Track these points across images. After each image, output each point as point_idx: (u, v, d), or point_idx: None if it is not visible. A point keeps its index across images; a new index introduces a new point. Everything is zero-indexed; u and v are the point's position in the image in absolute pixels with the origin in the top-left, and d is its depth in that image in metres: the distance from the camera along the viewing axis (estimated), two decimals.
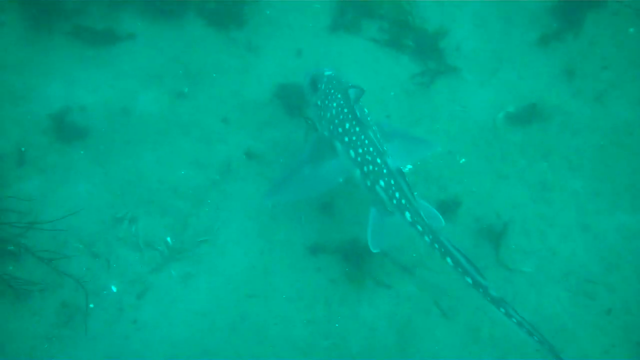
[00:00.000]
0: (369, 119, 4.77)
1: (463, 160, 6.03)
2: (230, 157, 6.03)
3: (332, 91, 4.82)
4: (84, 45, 6.41)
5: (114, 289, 5.26)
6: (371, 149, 4.57)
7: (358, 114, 4.58)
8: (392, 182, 4.49)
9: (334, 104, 4.77)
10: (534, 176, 5.92)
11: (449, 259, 4.29)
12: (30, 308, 5.08)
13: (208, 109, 6.26)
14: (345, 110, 4.68)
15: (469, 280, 4.20)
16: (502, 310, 4.13)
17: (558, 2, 6.91)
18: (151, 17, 6.59)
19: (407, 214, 4.47)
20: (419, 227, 4.45)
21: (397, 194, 4.48)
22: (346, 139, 4.67)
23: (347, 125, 4.67)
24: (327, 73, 4.98)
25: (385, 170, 4.53)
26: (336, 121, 4.73)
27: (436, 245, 4.35)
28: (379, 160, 4.55)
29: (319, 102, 4.94)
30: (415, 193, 4.58)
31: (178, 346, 5.05)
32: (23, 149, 5.68)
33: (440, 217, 4.67)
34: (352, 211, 5.71)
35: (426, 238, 4.42)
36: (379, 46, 6.76)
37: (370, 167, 4.56)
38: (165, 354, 5.02)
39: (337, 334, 5.18)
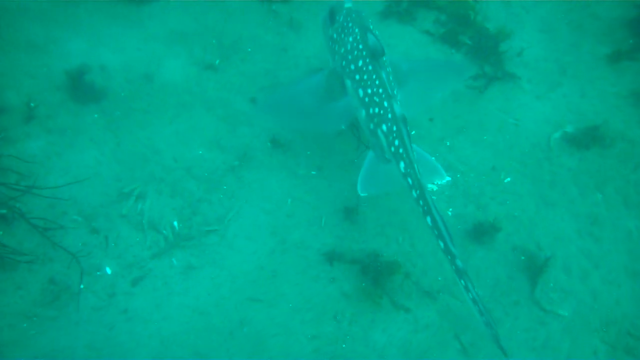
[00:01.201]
0: (384, 58, 4.46)
1: (508, 179, 5.42)
2: (254, 142, 5.51)
3: (350, 24, 4.54)
4: (115, 1, 5.88)
5: (108, 270, 4.80)
6: (380, 90, 4.35)
7: (373, 53, 4.33)
8: (395, 128, 4.27)
9: (350, 39, 4.51)
10: (585, 208, 5.28)
11: (428, 219, 4.10)
12: (14, 281, 4.66)
13: (237, 87, 5.74)
14: (361, 47, 4.43)
15: (441, 244, 4.05)
16: (462, 282, 3.98)
17: (638, 16, 6.16)
18: None
19: (402, 164, 4.25)
20: (410, 180, 4.23)
21: (396, 142, 4.27)
22: (357, 76, 4.45)
23: (360, 63, 4.43)
24: (347, 5, 4.67)
25: (390, 115, 4.30)
26: (349, 57, 4.49)
27: (421, 202, 4.15)
28: (386, 104, 4.32)
29: (334, 35, 4.67)
30: (414, 145, 4.36)
31: (168, 344, 4.59)
32: (33, 104, 5.21)
33: (443, 171, 4.59)
34: (379, 221, 5.16)
35: (414, 193, 4.20)
36: (432, 40, 6.15)
37: (377, 109, 4.35)
38: (152, 351, 4.56)
39: (343, 356, 4.65)
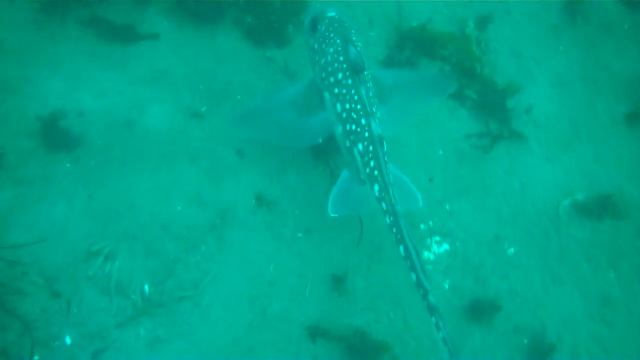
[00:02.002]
0: (365, 72, 4.27)
1: (512, 250, 4.96)
2: (238, 198, 5.09)
3: (332, 35, 4.36)
4: (98, 40, 5.53)
5: (67, 340, 4.37)
6: (359, 106, 4.17)
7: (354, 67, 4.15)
8: (371, 148, 4.08)
9: (331, 50, 4.33)
10: (596, 286, 4.81)
11: (401, 248, 3.91)
12: None
13: (223, 137, 5.34)
14: (341, 59, 4.25)
15: (413, 277, 3.86)
16: (434, 320, 3.77)
17: None
18: (180, 19, 5.68)
19: (376, 187, 4.06)
20: (384, 205, 4.03)
21: (372, 163, 4.09)
22: (336, 90, 4.26)
23: (340, 76, 4.24)
24: (330, 14, 4.48)
25: (367, 134, 4.12)
26: (329, 69, 4.30)
27: (394, 230, 3.95)
28: (363, 121, 4.15)
29: (315, 45, 4.46)
30: (390, 165, 4.13)
31: None
32: (0, 151, 4.79)
33: (419, 196, 4.35)
34: (369, 292, 4.72)
35: (387, 219, 4.01)
36: None
37: (354, 126, 4.17)
38: None
39: None
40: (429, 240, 5.22)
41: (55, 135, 5.02)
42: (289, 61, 5.70)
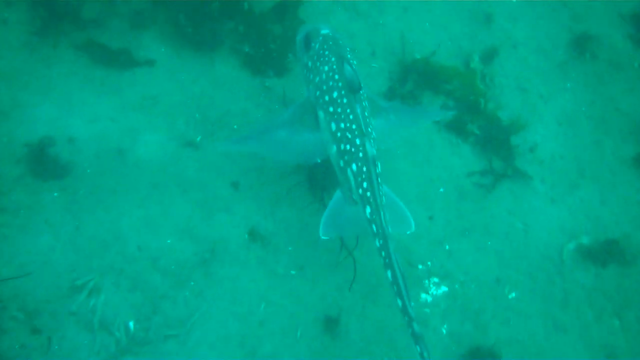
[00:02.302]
0: (361, 92, 4.20)
1: (513, 294, 4.78)
2: (230, 232, 4.91)
3: (327, 52, 4.30)
4: (92, 64, 5.39)
5: None
6: (354, 126, 4.10)
7: (350, 87, 4.11)
8: (364, 169, 4.02)
9: (325, 68, 4.27)
10: (600, 336, 4.60)
11: (389, 273, 3.84)
12: None
13: (218, 167, 5.17)
14: (336, 77, 4.18)
15: (399, 302, 3.79)
16: (418, 348, 3.68)
17: None
18: (178, 45, 5.54)
19: (368, 209, 4.01)
20: (374, 227, 3.98)
21: (364, 184, 4.03)
22: (331, 109, 4.19)
23: (335, 94, 4.17)
24: (323, 31, 4.43)
25: (361, 154, 4.05)
26: (324, 87, 4.24)
27: (382, 254, 3.89)
28: (358, 141, 4.08)
29: (309, 63, 4.40)
30: (384, 187, 4.10)
31: None
32: None
33: (411, 220, 4.28)
34: (363, 335, 4.50)
35: (377, 242, 3.95)
36: (437, 128, 5.57)
37: (348, 146, 4.10)
38: None
39: None
40: (427, 281, 5.03)
41: (44, 163, 4.86)
42: (287, 90, 5.55)
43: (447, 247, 5.08)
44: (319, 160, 4.42)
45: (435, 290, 4.89)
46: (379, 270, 4.21)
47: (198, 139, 5.28)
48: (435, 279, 5.03)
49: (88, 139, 5.08)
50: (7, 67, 5.20)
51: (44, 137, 4.93)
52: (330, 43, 4.35)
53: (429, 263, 4.96)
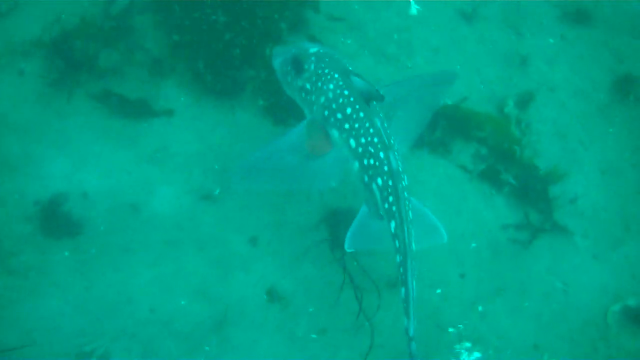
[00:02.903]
0: (374, 102, 3.98)
1: None
2: (248, 293, 4.67)
3: (327, 71, 4.07)
4: (109, 116, 5.23)
5: None
6: (375, 139, 3.89)
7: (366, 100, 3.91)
8: (390, 182, 3.83)
9: (330, 87, 4.03)
10: None
11: (403, 290, 3.71)
12: None
13: (236, 223, 4.92)
14: (346, 93, 3.96)
15: (405, 321, 3.70)
16: None
17: None
18: (197, 93, 5.35)
19: (393, 224, 3.83)
20: (397, 243, 3.80)
21: (390, 198, 3.83)
22: (347, 125, 3.97)
23: (349, 111, 3.96)
24: (312, 50, 4.19)
25: (386, 168, 3.85)
26: (334, 106, 4.01)
27: (401, 270, 3.73)
28: (382, 155, 3.87)
29: (307, 86, 4.16)
30: (412, 200, 3.90)
31: None
32: None
33: (443, 231, 4.11)
34: None
35: (397, 257, 3.78)
36: (469, 178, 5.24)
37: (372, 160, 3.90)
38: None
39: None
40: (457, 346, 4.67)
41: (55, 220, 4.70)
42: None
43: (480, 308, 4.72)
44: (334, 184, 4.19)
45: (467, 356, 4.54)
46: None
47: (216, 191, 5.05)
48: (467, 344, 4.67)
49: (102, 194, 4.90)
50: (21, 120, 5.06)
51: (56, 194, 4.75)
52: (327, 60, 4.13)
53: (460, 326, 4.61)
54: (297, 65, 4.22)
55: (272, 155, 4.19)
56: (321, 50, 4.23)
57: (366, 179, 3.97)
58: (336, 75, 4.03)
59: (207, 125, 5.33)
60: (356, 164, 4.01)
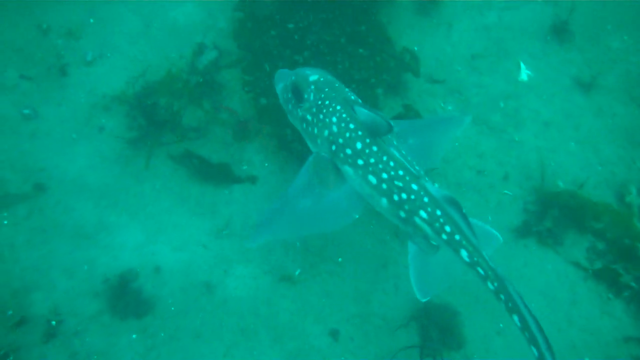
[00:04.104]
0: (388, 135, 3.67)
1: None
2: None
3: (327, 102, 3.76)
4: (188, 180, 4.90)
5: None
6: (401, 172, 3.58)
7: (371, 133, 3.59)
8: (438, 212, 3.51)
9: (333, 119, 3.72)
10: None
11: (516, 317, 3.32)
12: None
13: (317, 311, 4.47)
14: (352, 126, 3.65)
15: (535, 351, 3.25)
16: None
17: None
18: (282, 161, 4.93)
19: (464, 253, 3.48)
20: (481, 270, 3.44)
21: (447, 228, 3.51)
22: (360, 161, 3.66)
23: (359, 146, 3.65)
24: (312, 77, 3.85)
25: (426, 199, 3.53)
26: (340, 140, 3.70)
27: (502, 297, 3.37)
28: (415, 187, 3.56)
29: (308, 117, 3.85)
30: (471, 219, 3.52)
31: None
32: (54, 322, 4.13)
33: (498, 234, 3.79)
34: None
35: (490, 285, 3.42)
36: (583, 276, 4.59)
37: (404, 195, 3.58)
38: None
39: None
40: None
41: (124, 298, 4.32)
42: None
43: None
44: (357, 216, 3.84)
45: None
46: None
47: (297, 272, 4.59)
48: None
49: (175, 270, 4.53)
50: (98, 182, 4.77)
51: (127, 270, 4.39)
52: (327, 90, 3.80)
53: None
54: (297, 94, 3.87)
55: (286, 203, 3.83)
56: (321, 79, 3.84)
57: (402, 214, 3.64)
58: (338, 107, 3.72)
59: None
60: (384, 201, 3.67)
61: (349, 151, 3.69)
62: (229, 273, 4.59)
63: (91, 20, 5.33)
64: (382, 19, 5.26)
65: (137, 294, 4.39)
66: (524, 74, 5.47)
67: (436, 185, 3.59)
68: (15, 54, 5.18)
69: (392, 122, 3.62)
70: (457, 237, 3.49)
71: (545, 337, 3.24)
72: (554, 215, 4.74)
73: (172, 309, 4.41)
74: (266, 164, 4.98)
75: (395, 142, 3.73)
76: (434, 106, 5.33)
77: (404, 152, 3.68)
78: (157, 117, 4.98)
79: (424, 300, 3.69)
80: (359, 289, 4.61)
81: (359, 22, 5.17)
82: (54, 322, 4.17)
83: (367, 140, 3.63)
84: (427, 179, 3.62)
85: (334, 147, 3.75)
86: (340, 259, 4.72)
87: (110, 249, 4.55)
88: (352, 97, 3.82)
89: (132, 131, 4.95)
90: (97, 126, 5.00)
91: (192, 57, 5.31)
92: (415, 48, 5.41)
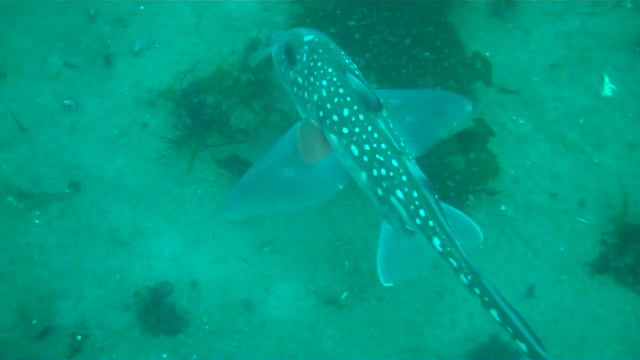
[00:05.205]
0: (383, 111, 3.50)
1: None
2: None
3: (319, 64, 3.58)
4: (232, 185, 4.53)
5: None
6: (383, 145, 3.39)
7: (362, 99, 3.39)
8: (415, 194, 3.31)
9: (324, 83, 3.54)
10: None
11: (494, 312, 3.14)
12: None
13: (363, 341, 4.12)
14: (341, 91, 3.47)
15: (523, 346, 3.06)
16: None
17: None
18: None
19: (437, 241, 3.30)
20: (453, 262, 3.26)
21: (421, 212, 3.31)
22: (345, 130, 3.48)
23: (346, 112, 3.47)
24: (307, 38, 3.68)
25: (404, 177, 3.35)
26: (328, 106, 3.52)
27: (477, 291, 3.19)
28: (395, 163, 3.37)
29: (299, 80, 3.68)
30: (442, 204, 3.35)
31: None
32: (79, 336, 3.83)
33: (479, 230, 3.54)
34: None
35: (464, 278, 3.24)
36: None
37: (383, 171, 3.37)
38: None
39: None
40: None
41: (157, 312, 3.98)
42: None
43: None
44: (341, 187, 3.66)
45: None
46: None
47: (343, 296, 4.20)
48: None
49: (213, 285, 4.21)
50: (137, 184, 4.46)
51: (162, 283, 4.05)
52: (320, 51, 3.62)
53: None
54: (290, 55, 3.69)
55: (266, 171, 3.62)
56: (316, 39, 3.66)
57: (380, 191, 3.44)
58: (330, 70, 3.54)
59: (341, 213, 4.47)
60: (363, 175, 3.47)
61: (335, 117, 3.51)
62: (270, 291, 4.22)
63: (141, 8, 5.00)
64: (453, 20, 4.78)
65: (170, 309, 4.07)
66: (608, 88, 4.93)
67: (417, 165, 3.40)
68: (60, 40, 4.89)
69: (391, 93, 3.64)
70: (430, 223, 3.31)
71: (531, 330, 3.07)
72: (636, 250, 4.23)
73: (207, 327, 4.08)
74: None
75: (384, 113, 3.53)
76: (504, 119, 4.86)
77: (391, 126, 3.51)
78: (203, 117, 4.63)
79: (386, 284, 3.49)
80: (411, 320, 4.21)
81: (427, 23, 4.74)
82: (79, 337, 3.84)
83: (355, 108, 3.45)
84: (410, 157, 3.42)
85: (321, 113, 3.58)
86: (391, 283, 4.28)
87: (145, 257, 4.24)
88: (347, 61, 3.62)
89: (176, 130, 4.59)
90: (140, 122, 4.69)
91: (245, 53, 4.92)
92: (487, 54, 4.90)
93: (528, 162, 4.68)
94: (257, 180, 3.66)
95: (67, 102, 4.69)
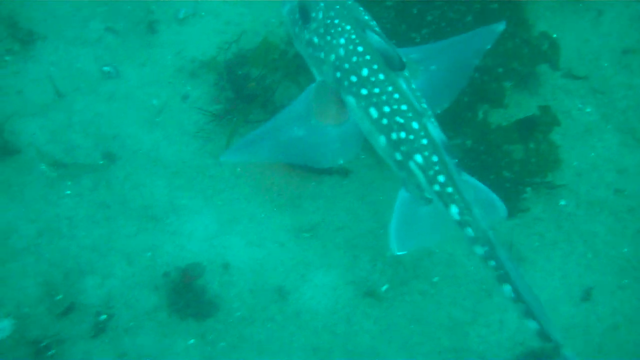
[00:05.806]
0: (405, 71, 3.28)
1: None
2: None
3: (337, 21, 3.37)
4: (272, 164, 4.26)
5: None
6: (404, 106, 3.18)
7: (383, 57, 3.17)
8: (435, 158, 3.11)
9: (341, 41, 3.34)
10: None
11: (508, 287, 2.98)
12: None
13: (402, 338, 3.91)
14: (360, 49, 3.26)
15: (535, 325, 2.94)
16: None
17: None
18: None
19: (454, 209, 3.09)
20: (470, 231, 3.06)
21: (440, 178, 3.10)
22: (364, 91, 3.26)
23: (365, 72, 3.25)
24: None
25: (425, 141, 3.14)
26: (346, 65, 3.31)
27: (492, 263, 3.01)
28: (415, 125, 3.15)
29: (315, 39, 3.45)
30: (464, 174, 3.10)
31: None
32: (104, 316, 3.68)
33: (501, 204, 3.22)
34: None
35: (479, 249, 3.05)
36: None
37: (403, 134, 3.18)
38: None
39: None
40: None
41: (186, 295, 3.79)
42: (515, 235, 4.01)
43: None
44: (341, 162, 3.50)
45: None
46: None
47: (383, 288, 3.96)
48: None
49: (246, 269, 4.00)
50: (174, 158, 4.29)
51: (193, 265, 3.86)
52: (337, 7, 3.40)
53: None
54: (304, 13, 3.47)
55: (275, 128, 3.46)
56: None
57: (399, 156, 3.25)
58: (348, 27, 3.33)
59: (387, 200, 4.19)
60: (382, 139, 3.28)
61: (354, 78, 3.32)
62: (307, 279, 4.00)
63: None
64: None
65: (201, 292, 3.87)
66: None
67: (439, 127, 3.18)
68: (102, 4, 4.69)
69: (413, 50, 3.48)
70: (449, 189, 3.12)
71: (543, 310, 2.96)
72: None
73: (238, 314, 3.89)
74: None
75: (406, 73, 3.33)
76: (569, 107, 4.50)
77: (413, 86, 3.31)
78: (246, 91, 4.40)
79: (398, 252, 3.27)
80: (456, 318, 3.93)
81: None
82: (104, 316, 3.68)
83: (375, 67, 3.26)
84: (432, 119, 3.21)
85: (338, 74, 3.38)
86: (436, 279, 4.04)
87: (178, 235, 4.06)
88: (366, 18, 3.43)
89: (218, 103, 4.38)
90: (180, 94, 4.48)
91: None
92: (555, 35, 4.52)
93: (593, 154, 4.34)
94: (264, 134, 3.50)
95: (106, 68, 4.51)
